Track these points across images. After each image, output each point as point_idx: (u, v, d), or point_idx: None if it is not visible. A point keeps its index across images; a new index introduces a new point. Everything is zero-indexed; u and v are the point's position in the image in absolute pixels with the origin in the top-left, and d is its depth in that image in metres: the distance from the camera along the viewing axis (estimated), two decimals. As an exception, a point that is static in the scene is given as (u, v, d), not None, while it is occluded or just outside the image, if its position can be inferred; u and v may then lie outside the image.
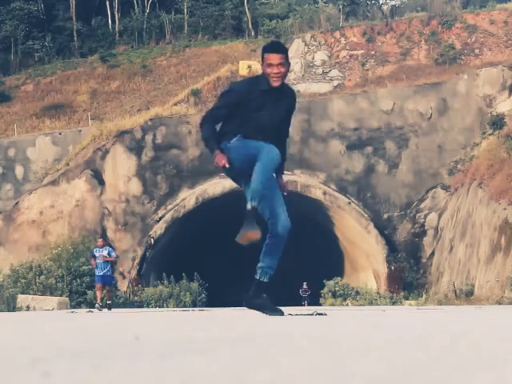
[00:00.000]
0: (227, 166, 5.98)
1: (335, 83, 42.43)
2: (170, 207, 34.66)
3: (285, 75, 6.25)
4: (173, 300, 30.33)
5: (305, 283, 38.09)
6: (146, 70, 47.97)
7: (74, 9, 55.85)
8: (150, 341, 2.99)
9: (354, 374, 1.74)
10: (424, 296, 30.14)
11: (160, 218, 34.39)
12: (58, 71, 49.43)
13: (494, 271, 26.15)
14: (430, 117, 36.01)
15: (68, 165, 35.80)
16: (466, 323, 4.79)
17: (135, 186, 34.96)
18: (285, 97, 6.42)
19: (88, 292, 28.62)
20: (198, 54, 49.56)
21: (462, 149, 35.40)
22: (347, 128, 36.05)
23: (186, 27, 54.86)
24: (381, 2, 63.17)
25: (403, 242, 34.94)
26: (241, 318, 5.65)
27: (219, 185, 33.15)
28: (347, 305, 31.38)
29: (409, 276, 33.98)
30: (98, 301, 20.44)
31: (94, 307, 22.24)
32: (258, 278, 6.19)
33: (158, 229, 34.06)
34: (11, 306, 24.14)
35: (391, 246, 34.44)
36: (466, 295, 27.26)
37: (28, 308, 23.71)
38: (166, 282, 31.23)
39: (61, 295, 27.47)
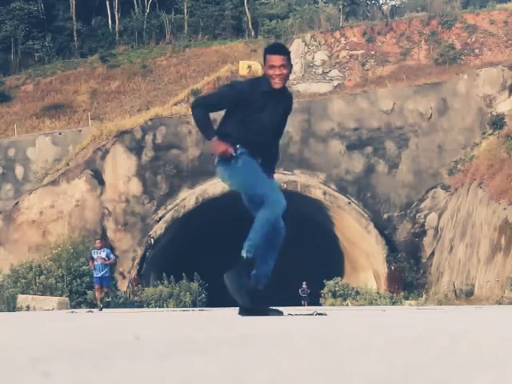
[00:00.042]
0: (234, 154, 5.98)
1: (335, 83, 42.44)
2: (170, 207, 34.66)
3: (287, 77, 6.23)
4: (173, 300, 30.32)
5: (304, 283, 38.10)
6: (145, 70, 47.98)
7: (74, 9, 55.86)
8: (149, 341, 2.99)
9: (353, 374, 1.74)
10: (424, 296, 30.14)
11: (160, 218, 34.40)
12: (58, 71, 49.44)
13: (493, 271, 26.15)
14: (430, 117, 36.01)
15: (68, 165, 35.81)
16: (466, 323, 4.79)
17: (135, 186, 34.96)
18: (284, 98, 6.42)
19: (88, 292, 28.61)
20: (197, 54, 49.57)
21: (462, 149, 35.40)
22: (347, 128, 36.05)
23: (186, 27, 54.86)
24: (381, 1, 63.22)
25: (403, 241, 34.94)
26: (241, 318, 5.65)
27: (219, 185, 33.16)
28: (347, 305, 31.37)
29: (409, 276, 33.98)
30: (98, 301, 20.45)
31: (94, 307, 22.24)
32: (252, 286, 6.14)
33: (158, 229, 34.06)
34: (11, 306, 24.14)
35: (391, 246, 34.44)
36: (466, 295, 27.26)
37: (28, 308, 23.71)
38: (166, 281, 31.22)
39: (61, 295, 27.47)
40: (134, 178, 35.06)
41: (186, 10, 56.27)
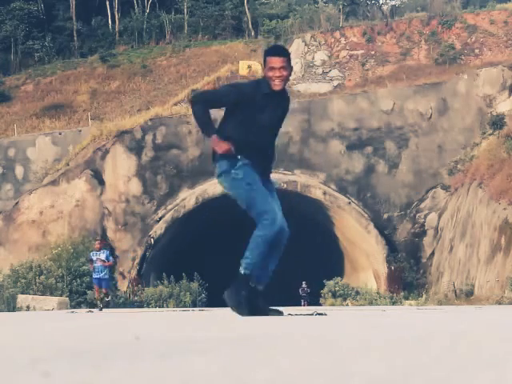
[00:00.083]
0: (233, 152, 5.99)
1: (335, 83, 42.44)
2: (170, 207, 34.66)
3: (286, 79, 6.23)
4: (173, 300, 30.32)
5: (304, 282, 38.12)
6: (146, 70, 47.99)
7: (74, 9, 55.86)
8: (149, 341, 2.99)
9: (353, 374, 1.74)
10: (424, 296, 30.13)
11: (160, 218, 34.40)
12: (58, 71, 49.44)
13: (494, 271, 26.15)
14: (430, 117, 36.01)
15: (68, 165, 35.81)
16: (466, 323, 4.79)
17: (135, 186, 34.97)
18: (283, 100, 6.42)
19: (88, 292, 28.60)
20: (198, 54, 49.58)
21: (462, 149, 35.40)
22: (347, 128, 36.05)
23: (186, 27, 54.87)
24: (381, 1, 63.21)
25: (403, 241, 34.95)
26: (241, 318, 5.65)
27: (219, 185, 33.13)
28: (347, 305, 31.37)
29: (409, 276, 33.99)
30: (98, 301, 20.46)
31: (94, 307, 22.25)
32: (253, 286, 6.16)
33: (158, 229, 34.06)
34: (11, 306, 24.14)
35: (391, 246, 34.44)
36: (466, 295, 27.26)
37: (28, 308, 23.71)
38: (166, 281, 31.22)
39: (61, 295, 27.46)
40: (133, 178, 35.07)
41: (186, 10, 56.27)
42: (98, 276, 20.31)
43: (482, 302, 23.57)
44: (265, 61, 6.23)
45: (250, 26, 54.92)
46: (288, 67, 6.20)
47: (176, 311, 14.22)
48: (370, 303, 30.74)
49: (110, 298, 20.99)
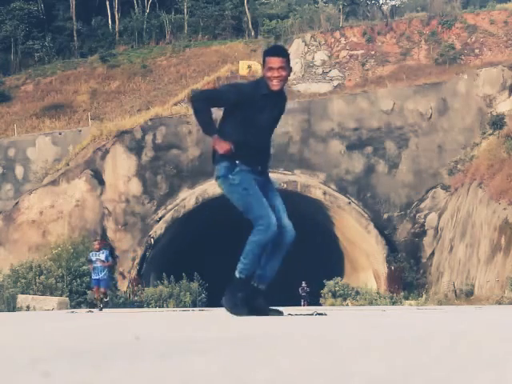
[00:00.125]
0: (233, 150, 6.01)
1: (335, 83, 42.44)
2: (170, 207, 34.66)
3: (285, 79, 6.23)
4: (173, 300, 30.32)
5: (303, 282, 38.12)
6: (146, 70, 47.99)
7: (74, 9, 55.87)
8: (150, 341, 2.99)
9: (353, 374, 1.74)
10: (424, 296, 30.13)
11: (160, 218, 34.40)
12: (58, 71, 49.44)
13: (494, 271, 26.15)
14: (430, 117, 36.01)
15: (68, 165, 35.81)
16: (466, 323, 4.79)
17: (135, 186, 34.97)
18: (281, 100, 6.43)
19: (88, 292, 28.61)
20: (197, 54, 49.58)
21: (462, 149, 35.40)
22: (347, 128, 36.05)
23: (186, 27, 54.87)
24: (381, 1, 63.23)
25: (403, 241, 34.95)
26: (241, 318, 5.66)
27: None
28: (347, 305, 31.37)
29: (409, 276, 33.98)
30: (98, 301, 20.46)
31: (94, 307, 22.25)
32: (255, 285, 6.23)
33: (158, 229, 34.06)
34: (11, 306, 24.14)
35: (391, 246, 34.44)
36: (466, 295, 27.26)
37: (28, 308, 23.71)
38: (166, 281, 31.22)
39: (61, 295, 27.46)
40: (133, 178, 35.07)
41: (186, 10, 56.28)
42: (98, 277, 20.30)
43: (482, 301, 23.56)
44: (264, 61, 6.23)
45: (250, 25, 54.92)
46: (287, 68, 6.19)
47: (176, 311, 14.22)
48: (370, 303, 30.73)
49: (108, 298, 20.97)
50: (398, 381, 1.65)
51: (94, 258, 20.34)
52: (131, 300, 30.85)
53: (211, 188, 33.56)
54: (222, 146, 5.98)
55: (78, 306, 27.55)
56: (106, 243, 27.78)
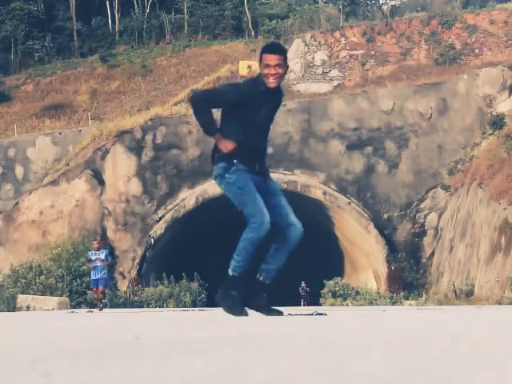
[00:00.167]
0: (235, 149, 6.02)
1: (335, 83, 42.44)
2: (170, 207, 34.66)
3: (282, 76, 6.22)
4: (173, 300, 30.33)
5: (303, 282, 38.13)
6: (146, 70, 47.99)
7: (74, 9, 55.86)
8: (150, 341, 2.99)
9: (354, 374, 1.74)
10: (424, 296, 30.13)
11: (160, 218, 34.40)
12: (58, 71, 49.44)
13: (494, 271, 26.15)
14: (430, 117, 36.01)
15: (68, 165, 35.80)
16: (466, 323, 4.79)
17: (135, 186, 34.97)
18: (278, 97, 6.42)
19: (88, 292, 28.61)
20: (197, 54, 49.58)
21: (462, 149, 35.40)
22: (347, 128, 36.05)
23: (186, 27, 54.87)
24: (381, 1, 63.23)
25: (403, 242, 34.94)
26: (241, 318, 5.66)
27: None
28: (347, 305, 31.37)
29: (409, 276, 33.98)
30: (98, 301, 20.46)
31: (94, 307, 22.25)
32: (260, 279, 6.25)
33: (158, 229, 34.06)
34: (11, 306, 24.15)
35: (391, 246, 34.44)
36: (466, 295, 27.26)
37: (28, 308, 23.71)
38: (166, 281, 31.23)
39: (61, 295, 27.47)
40: (133, 178, 35.07)
41: (186, 10, 56.27)
42: (97, 277, 20.30)
43: (482, 302, 23.56)
44: (261, 58, 6.22)
45: (250, 25, 54.93)
46: (284, 65, 6.18)
47: (176, 311, 14.22)
48: (370, 303, 30.74)
49: (106, 300, 20.97)
50: (398, 381, 1.65)
51: (93, 258, 20.34)
52: (131, 300, 30.86)
53: (211, 188, 33.55)
54: (227, 145, 5.98)
55: (77, 306, 27.55)
56: (105, 243, 27.80)
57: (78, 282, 29.29)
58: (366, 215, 34.79)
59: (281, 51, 6.26)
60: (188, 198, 34.63)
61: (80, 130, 39.25)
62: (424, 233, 35.06)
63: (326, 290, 33.71)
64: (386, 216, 35.23)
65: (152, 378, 1.73)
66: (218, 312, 6.02)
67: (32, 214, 33.98)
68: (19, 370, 1.90)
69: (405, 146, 35.86)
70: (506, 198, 26.82)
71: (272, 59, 6.12)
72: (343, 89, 40.96)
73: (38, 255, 31.07)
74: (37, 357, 2.26)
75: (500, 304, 21.71)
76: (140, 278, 32.85)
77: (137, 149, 35.39)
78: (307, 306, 33.82)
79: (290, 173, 34.90)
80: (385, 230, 34.84)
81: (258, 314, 6.21)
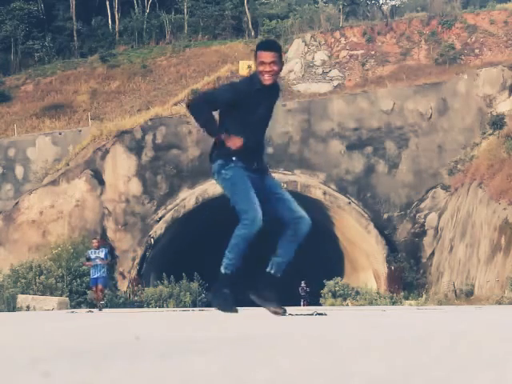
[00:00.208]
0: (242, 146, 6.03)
1: (335, 83, 42.43)
2: (170, 207, 34.66)
3: (277, 73, 6.21)
4: (173, 300, 30.32)
5: (303, 282, 38.12)
6: (146, 70, 47.98)
7: (74, 9, 55.85)
8: (150, 341, 2.99)
9: (353, 374, 1.74)
10: (424, 296, 30.13)
11: (160, 218, 34.40)
12: (58, 71, 49.44)
13: (494, 271, 26.15)
14: (430, 117, 36.01)
15: (68, 165, 35.80)
16: (466, 323, 4.79)
17: (135, 186, 34.97)
18: (275, 93, 6.42)
19: (88, 292, 28.62)
20: (197, 54, 49.58)
21: (462, 149, 35.40)
22: (347, 128, 36.05)
23: (186, 27, 54.86)
24: (381, 1, 63.21)
25: (403, 242, 34.94)
26: (241, 318, 5.66)
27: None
28: (347, 305, 31.37)
29: (409, 276, 33.98)
30: (98, 301, 20.46)
31: (94, 307, 22.26)
32: (272, 272, 6.27)
33: (158, 229, 34.06)
34: (11, 306, 24.15)
35: (391, 246, 34.44)
36: (466, 295, 27.26)
37: (28, 308, 23.71)
38: (166, 281, 31.22)
39: (61, 295, 27.47)
40: (133, 178, 35.07)
41: (186, 10, 56.27)
42: (96, 275, 20.31)
43: (482, 302, 23.56)
44: (256, 55, 6.22)
45: (250, 25, 54.92)
46: (279, 62, 6.17)
47: (176, 311, 14.22)
48: (370, 303, 30.74)
49: (104, 301, 20.96)
50: (398, 381, 1.65)
51: (93, 256, 20.34)
52: (131, 300, 30.86)
53: (211, 188, 33.56)
54: (235, 142, 5.99)
55: (78, 306, 27.55)
56: (105, 243, 27.81)
57: (78, 282, 29.30)
58: (365, 215, 34.79)
59: (275, 48, 6.25)
60: (188, 197, 34.64)
61: (80, 130, 39.25)
62: (424, 233, 35.06)
63: (325, 289, 33.71)
64: (385, 216, 35.24)
65: (152, 378, 1.73)
66: (218, 312, 6.03)
67: (32, 214, 33.98)
68: (19, 370, 1.90)
69: (405, 146, 35.86)
70: (506, 198, 26.82)
71: (267, 56, 6.12)
72: (343, 89, 40.96)
73: (37, 255, 31.07)
74: (37, 357, 2.26)
75: (500, 304, 21.71)
76: (140, 278, 32.85)
77: (137, 149, 35.40)
78: (307, 305, 33.80)
79: (289, 173, 34.90)
80: (385, 230, 34.84)
81: (262, 309, 6.22)
